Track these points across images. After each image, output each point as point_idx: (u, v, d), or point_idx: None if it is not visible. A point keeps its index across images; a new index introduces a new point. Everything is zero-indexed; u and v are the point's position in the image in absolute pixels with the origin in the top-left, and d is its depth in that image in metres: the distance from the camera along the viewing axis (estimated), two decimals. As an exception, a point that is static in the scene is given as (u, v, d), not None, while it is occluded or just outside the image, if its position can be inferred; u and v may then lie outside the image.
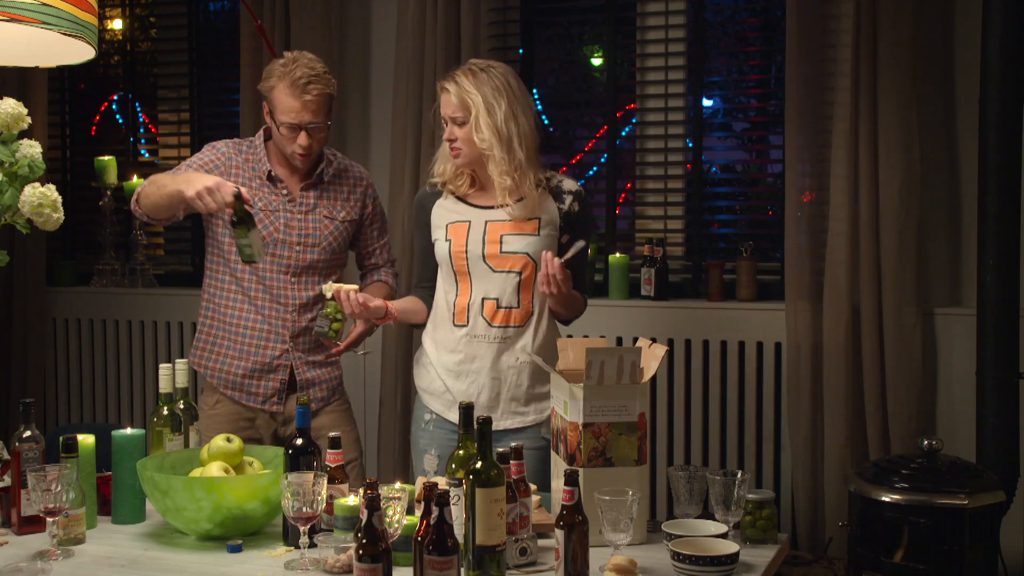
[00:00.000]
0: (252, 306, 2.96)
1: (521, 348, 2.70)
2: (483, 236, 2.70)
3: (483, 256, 2.69)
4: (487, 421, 2.09)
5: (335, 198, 3.00)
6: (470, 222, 2.72)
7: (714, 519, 2.26)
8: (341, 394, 3.09)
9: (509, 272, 2.68)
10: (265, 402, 2.98)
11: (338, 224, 3.00)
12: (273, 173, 2.96)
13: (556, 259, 2.56)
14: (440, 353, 2.77)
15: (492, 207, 2.73)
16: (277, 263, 2.93)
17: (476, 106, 2.65)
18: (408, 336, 4.12)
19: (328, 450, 2.27)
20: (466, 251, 2.70)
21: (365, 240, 3.10)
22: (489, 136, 2.65)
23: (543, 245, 2.68)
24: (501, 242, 2.68)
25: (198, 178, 2.67)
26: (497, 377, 2.71)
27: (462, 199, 2.77)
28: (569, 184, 2.78)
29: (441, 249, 2.74)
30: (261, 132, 3.02)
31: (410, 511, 2.15)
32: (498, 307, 2.69)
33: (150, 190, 2.80)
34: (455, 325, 2.72)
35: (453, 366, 2.73)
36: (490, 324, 2.69)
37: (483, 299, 2.70)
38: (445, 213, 2.77)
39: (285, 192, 2.96)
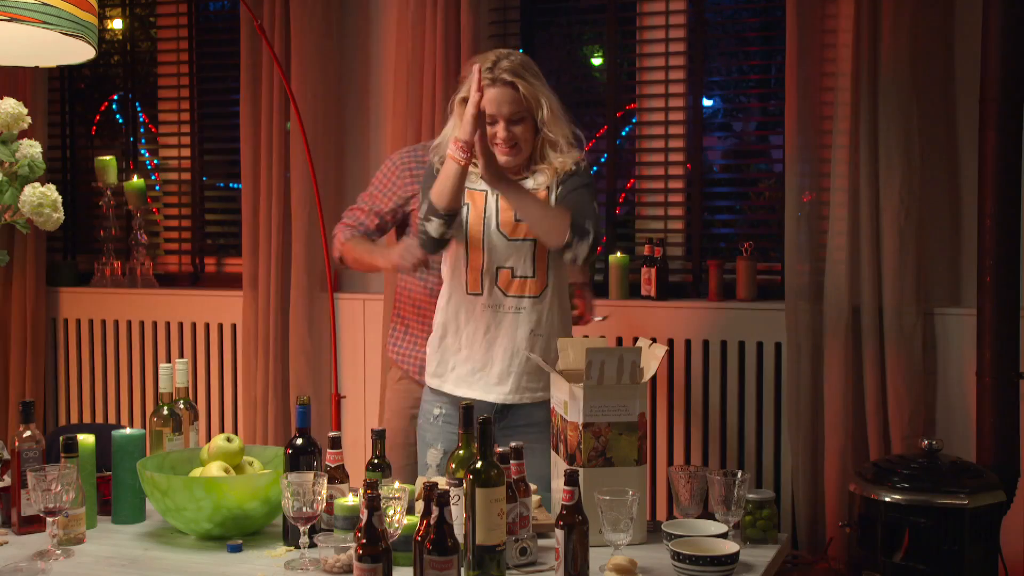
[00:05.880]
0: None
1: (536, 320, 2.68)
2: (496, 204, 2.68)
3: (498, 224, 2.67)
4: (487, 421, 2.09)
5: None
6: (487, 191, 2.69)
7: (714, 519, 2.26)
8: None
9: (524, 240, 2.67)
10: None
11: None
12: None
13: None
14: (456, 323, 2.73)
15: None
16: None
17: (547, 101, 2.64)
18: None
19: (328, 450, 2.27)
20: (484, 217, 2.68)
21: None
22: (557, 129, 2.67)
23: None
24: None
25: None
26: (509, 348, 2.68)
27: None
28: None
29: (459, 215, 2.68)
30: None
31: (410, 511, 2.16)
32: (512, 276, 2.67)
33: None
34: (469, 293, 2.70)
35: (471, 335, 2.71)
36: (505, 294, 2.67)
37: (498, 268, 2.68)
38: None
39: None
